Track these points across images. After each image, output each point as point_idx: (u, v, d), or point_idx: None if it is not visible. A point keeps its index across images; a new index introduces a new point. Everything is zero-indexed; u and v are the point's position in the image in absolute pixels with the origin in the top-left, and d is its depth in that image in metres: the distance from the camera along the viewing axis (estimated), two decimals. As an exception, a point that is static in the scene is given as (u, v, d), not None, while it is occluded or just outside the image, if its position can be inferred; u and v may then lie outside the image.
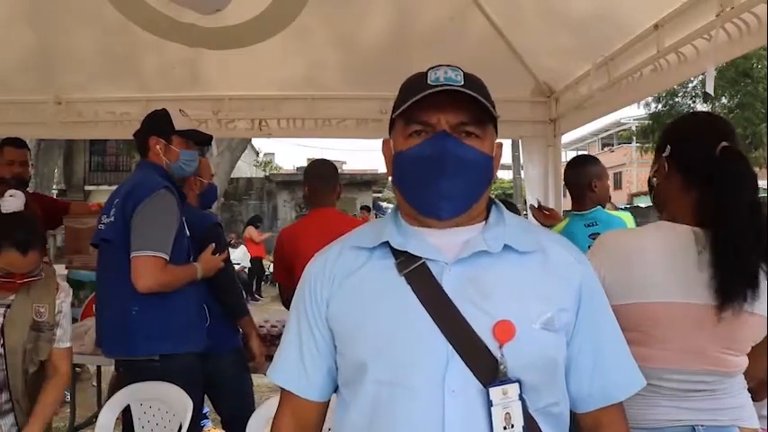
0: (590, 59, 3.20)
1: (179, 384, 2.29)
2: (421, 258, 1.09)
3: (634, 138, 25.43)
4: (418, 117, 1.08)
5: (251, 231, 13.53)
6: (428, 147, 1.07)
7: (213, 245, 2.65)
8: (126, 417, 2.41)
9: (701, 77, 10.34)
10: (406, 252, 1.10)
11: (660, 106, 16.80)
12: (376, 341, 1.08)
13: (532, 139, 4.11)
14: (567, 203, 3.91)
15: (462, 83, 1.06)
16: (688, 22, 2.42)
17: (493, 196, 1.20)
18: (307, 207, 3.19)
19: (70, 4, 3.28)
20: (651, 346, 1.46)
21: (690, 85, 15.66)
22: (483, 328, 1.03)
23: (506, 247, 1.09)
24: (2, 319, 2.05)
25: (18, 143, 3.38)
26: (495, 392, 1.02)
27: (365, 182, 19.84)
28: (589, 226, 2.84)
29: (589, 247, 1.66)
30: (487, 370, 1.02)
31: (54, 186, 16.08)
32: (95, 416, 3.35)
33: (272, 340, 3.15)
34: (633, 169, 31.27)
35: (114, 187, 2.74)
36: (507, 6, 3.32)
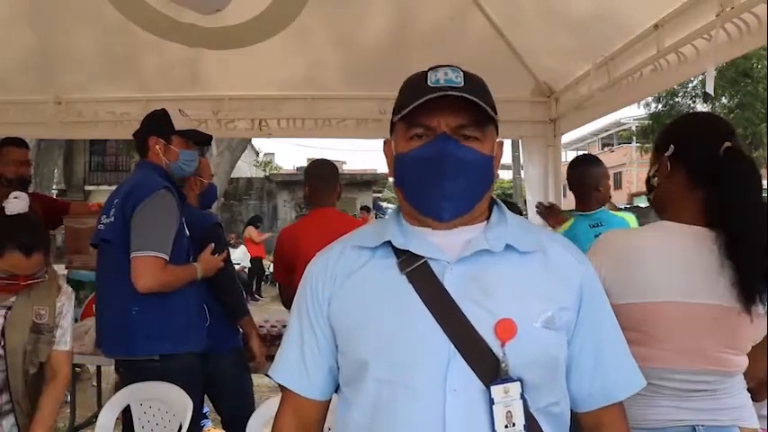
0: (590, 59, 3.20)
1: (179, 384, 2.28)
2: (423, 258, 1.09)
3: (634, 138, 25.46)
4: (419, 120, 1.08)
5: (251, 231, 13.54)
6: (429, 149, 1.08)
7: (212, 245, 2.65)
8: (126, 417, 2.41)
9: (701, 77, 10.36)
10: (408, 251, 1.10)
11: (660, 106, 16.83)
12: (377, 340, 1.08)
13: (532, 139, 4.11)
14: (566, 203, 3.92)
15: (462, 84, 1.07)
16: (688, 22, 2.42)
17: (494, 196, 1.21)
18: (307, 207, 3.19)
19: (70, 4, 3.28)
20: (652, 346, 1.46)
21: (690, 85, 15.69)
22: (485, 327, 1.04)
23: (508, 246, 1.10)
24: (3, 321, 2.04)
25: (19, 142, 3.38)
26: (497, 391, 1.02)
27: (365, 182, 19.85)
28: (594, 226, 2.84)
29: None
30: (489, 369, 1.03)
31: (54, 186, 16.08)
32: (95, 416, 3.35)
33: (272, 340, 3.15)
34: (633, 169, 31.28)
35: (114, 187, 2.73)
36: (507, 6, 3.32)
